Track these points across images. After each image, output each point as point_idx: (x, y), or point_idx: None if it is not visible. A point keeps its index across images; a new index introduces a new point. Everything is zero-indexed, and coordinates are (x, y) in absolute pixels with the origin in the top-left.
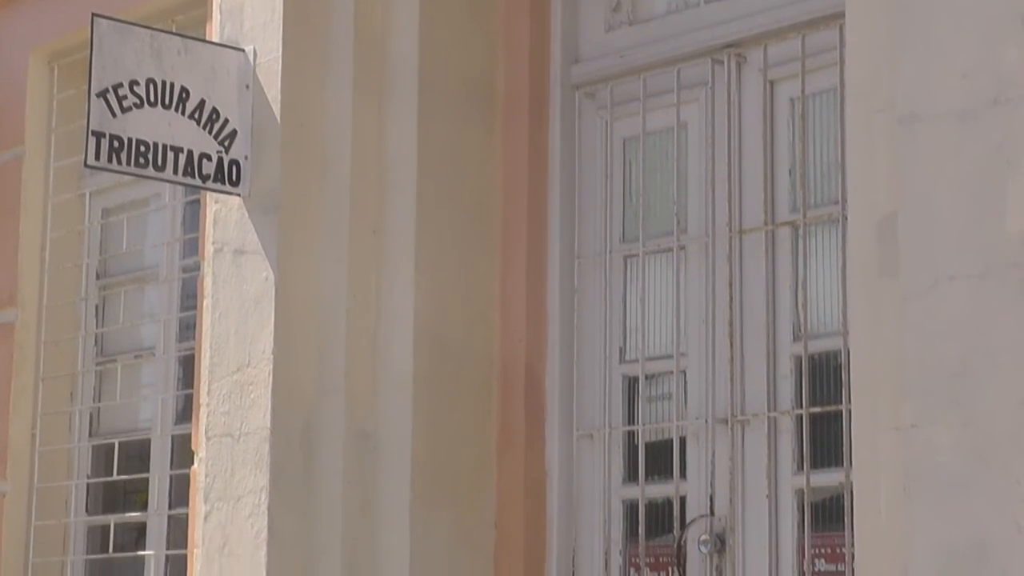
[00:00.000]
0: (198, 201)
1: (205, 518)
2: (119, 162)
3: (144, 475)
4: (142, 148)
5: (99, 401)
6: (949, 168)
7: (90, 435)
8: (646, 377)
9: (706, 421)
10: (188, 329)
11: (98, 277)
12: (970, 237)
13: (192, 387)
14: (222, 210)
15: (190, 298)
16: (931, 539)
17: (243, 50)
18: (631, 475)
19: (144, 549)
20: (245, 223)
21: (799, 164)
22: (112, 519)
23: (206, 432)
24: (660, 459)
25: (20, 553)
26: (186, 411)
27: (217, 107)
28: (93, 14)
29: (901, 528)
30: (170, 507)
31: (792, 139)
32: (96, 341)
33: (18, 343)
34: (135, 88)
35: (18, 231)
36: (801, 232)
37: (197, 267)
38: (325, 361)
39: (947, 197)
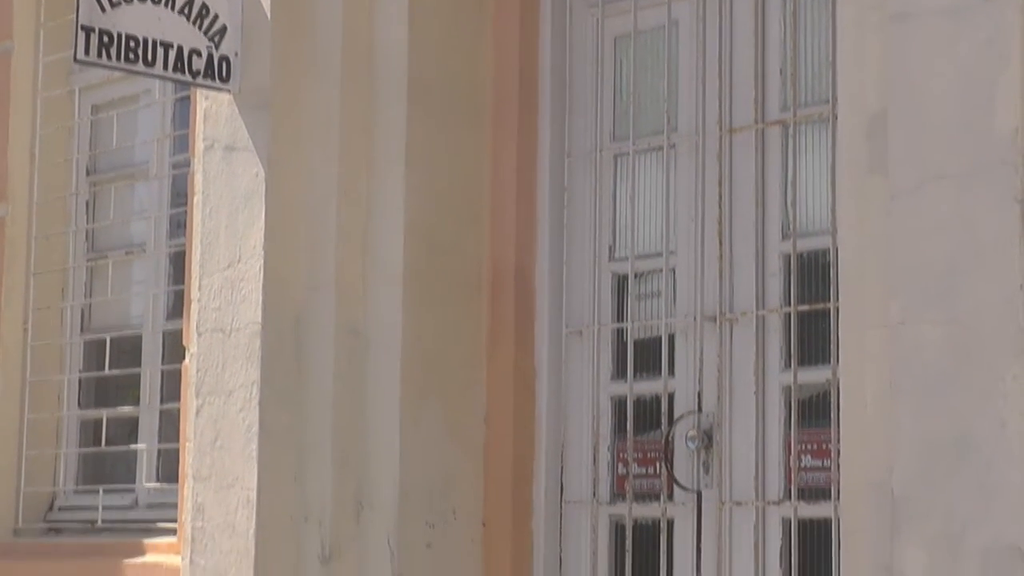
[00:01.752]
0: (188, 98)
1: (197, 412)
2: (108, 57)
3: (136, 370)
4: (132, 43)
5: (90, 297)
6: (939, 65)
7: (82, 330)
8: (635, 275)
9: (695, 319)
10: (179, 226)
11: (88, 173)
12: (959, 135)
13: (183, 283)
14: (212, 106)
15: (180, 195)
16: (916, 434)
17: None
18: (620, 372)
19: (136, 443)
20: (235, 120)
21: (790, 63)
22: (104, 413)
23: (197, 327)
24: (649, 356)
25: (14, 446)
26: (177, 307)
27: (207, 2)
28: None
29: (887, 424)
30: (162, 402)
31: (783, 38)
32: (87, 237)
33: (8, 238)
34: None
35: (8, 127)
36: (791, 131)
37: (187, 164)
38: (315, 257)
39: (937, 95)
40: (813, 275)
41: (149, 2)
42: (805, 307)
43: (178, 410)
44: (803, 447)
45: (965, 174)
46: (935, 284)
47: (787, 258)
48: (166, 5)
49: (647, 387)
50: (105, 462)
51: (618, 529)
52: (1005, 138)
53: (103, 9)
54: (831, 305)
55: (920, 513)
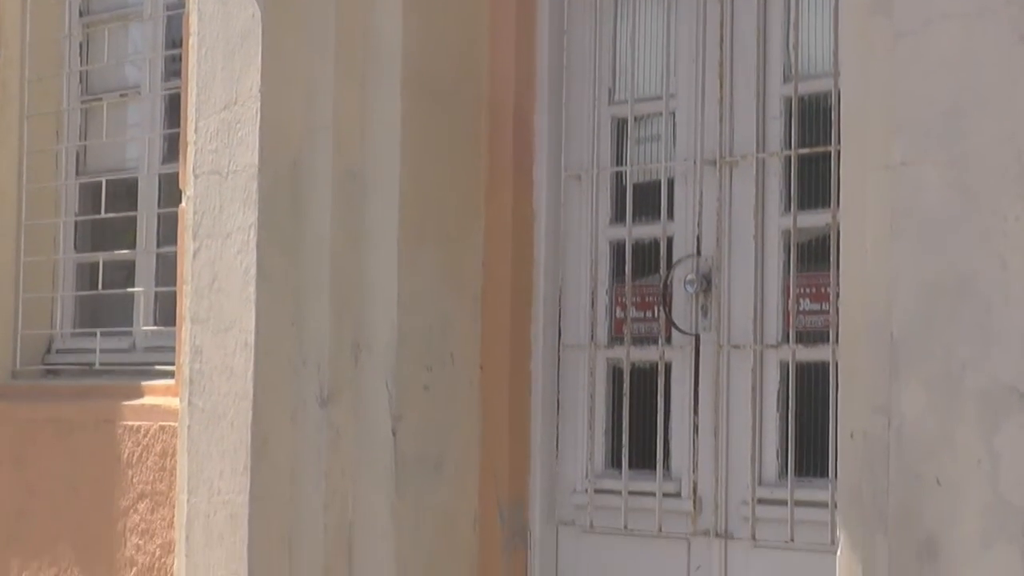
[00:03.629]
0: None
1: (194, 255)
2: None
3: (132, 213)
4: None
5: (85, 140)
6: None
7: (77, 173)
8: (635, 118)
9: (694, 162)
10: (174, 68)
11: (81, 15)
12: None
13: (178, 126)
14: None
15: (175, 36)
16: (916, 276)
17: None
18: (619, 216)
19: (133, 286)
20: None
21: None
22: (101, 257)
23: (194, 170)
24: (648, 200)
25: (11, 289)
26: (172, 150)
27: None
28: None
29: (886, 266)
30: (158, 245)
31: None
32: (81, 79)
33: (2, 81)
34: None
35: None
36: None
37: (182, 5)
38: (313, 99)
39: None
40: (814, 118)
41: None
42: (806, 150)
43: (175, 253)
44: (802, 291)
45: (971, 13)
46: (938, 125)
47: (788, 101)
48: None
49: (646, 231)
50: (102, 305)
51: (616, 372)
52: None
53: None
54: (832, 148)
55: (919, 355)
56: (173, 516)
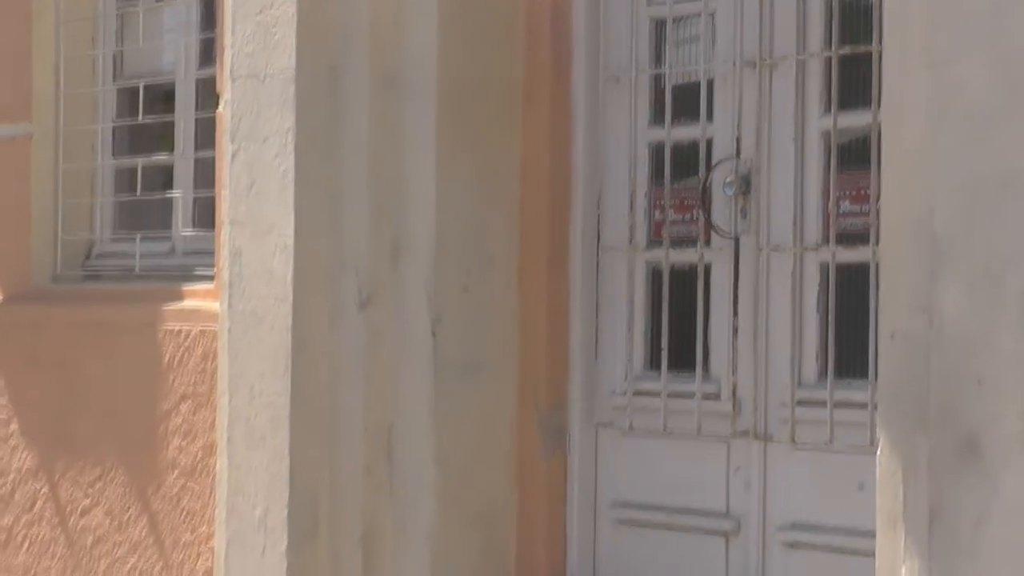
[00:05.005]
0: None
1: (232, 158)
2: None
3: (169, 118)
4: None
5: (121, 45)
6: None
7: (114, 79)
8: (674, 20)
9: (734, 64)
10: None
11: None
12: None
13: (214, 30)
14: None
15: None
16: (958, 174)
17: None
18: (657, 118)
19: (172, 191)
20: None
21: None
22: (139, 162)
23: (231, 74)
24: (687, 102)
25: (50, 195)
26: (209, 54)
27: None
28: None
29: (928, 165)
30: (196, 150)
31: None
32: None
33: None
34: None
35: None
36: None
37: None
38: (350, 1)
39: None
40: (856, 18)
41: None
42: (847, 50)
43: (213, 158)
44: (842, 192)
45: None
46: (981, 22)
47: (829, 1)
48: None
49: (685, 133)
50: (141, 210)
51: (655, 275)
52: None
53: None
54: (873, 48)
55: (960, 254)
56: (214, 418)
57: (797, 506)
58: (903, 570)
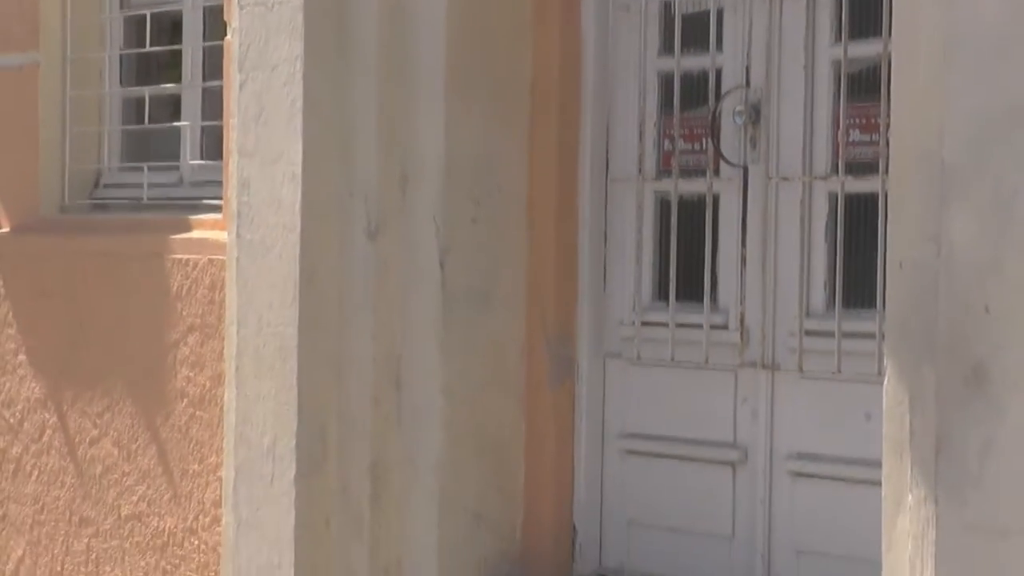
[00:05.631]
0: None
1: (240, 88)
2: None
3: (177, 47)
4: None
5: None
6: None
7: (121, 7)
8: None
9: None
10: None
11: None
12: None
13: None
14: None
15: None
16: (969, 103)
17: None
18: (667, 47)
19: (179, 120)
20: None
21: None
22: (147, 91)
23: (238, 1)
24: (697, 31)
25: (58, 124)
26: None
27: None
28: None
29: (939, 93)
30: (204, 79)
31: None
32: None
33: None
34: None
35: None
36: None
37: None
38: None
39: None
40: None
41: None
42: None
43: (221, 87)
44: (852, 122)
45: None
46: None
47: None
48: None
49: (694, 62)
50: (149, 140)
51: (663, 205)
52: None
53: None
54: None
55: (970, 182)
56: (222, 348)
57: (804, 436)
58: (909, 498)
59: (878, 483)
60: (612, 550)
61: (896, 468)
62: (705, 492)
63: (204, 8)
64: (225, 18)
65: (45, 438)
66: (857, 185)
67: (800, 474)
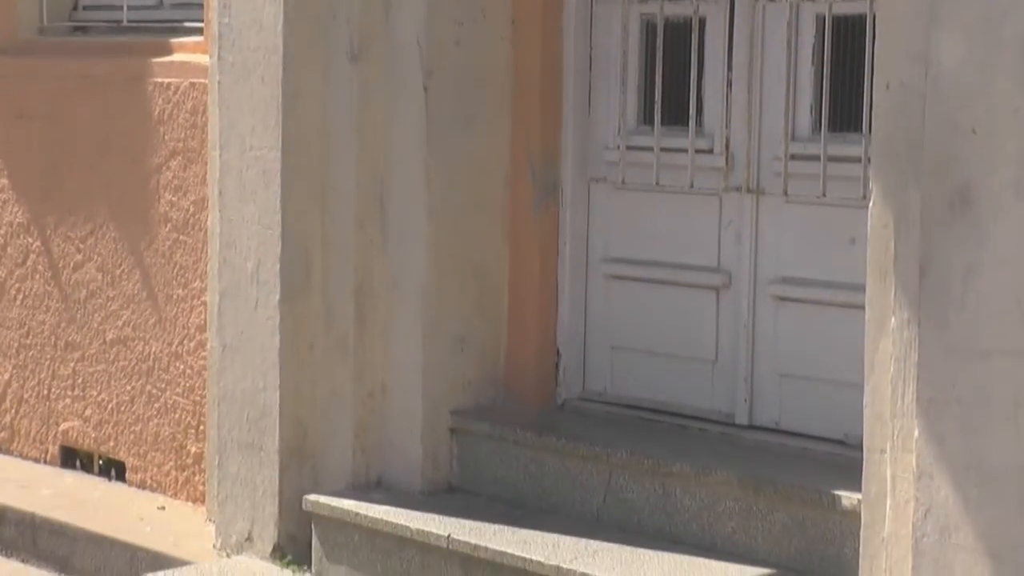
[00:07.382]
0: None
1: None
2: None
3: None
4: None
5: None
6: None
7: None
8: None
9: None
10: None
11: None
12: None
13: None
14: None
15: None
16: None
17: None
18: None
19: None
20: None
21: None
22: None
23: None
24: None
25: None
26: None
27: None
28: None
29: None
30: None
31: None
32: None
33: None
34: None
35: None
36: None
37: None
38: None
39: None
40: None
41: None
42: None
43: None
44: None
45: None
46: None
47: None
48: None
49: None
50: None
51: (649, 27)
52: None
53: None
54: None
55: (959, 1)
56: (205, 172)
57: (788, 260)
58: (892, 321)
59: (862, 307)
60: (595, 374)
61: (879, 291)
62: (689, 316)
63: None
64: None
65: (29, 263)
66: (845, 7)
67: (784, 298)
